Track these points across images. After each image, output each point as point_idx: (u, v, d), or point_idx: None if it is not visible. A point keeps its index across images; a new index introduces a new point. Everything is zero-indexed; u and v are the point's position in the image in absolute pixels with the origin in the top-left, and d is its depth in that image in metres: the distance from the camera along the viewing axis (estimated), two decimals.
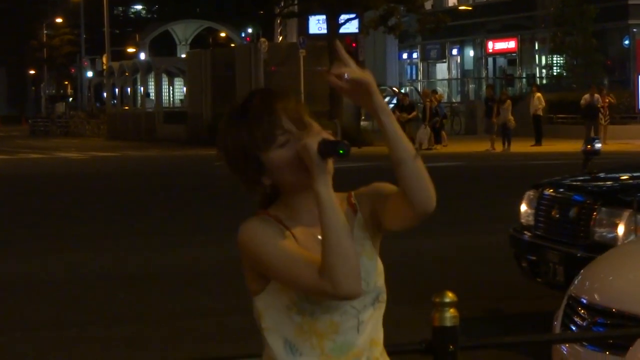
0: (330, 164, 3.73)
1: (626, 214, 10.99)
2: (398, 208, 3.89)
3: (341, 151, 3.69)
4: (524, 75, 70.93)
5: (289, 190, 3.91)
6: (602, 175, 13.34)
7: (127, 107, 76.70)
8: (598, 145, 13.27)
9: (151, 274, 18.15)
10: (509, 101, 50.26)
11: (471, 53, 78.60)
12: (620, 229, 10.78)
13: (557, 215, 12.35)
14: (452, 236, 22.25)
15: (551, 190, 12.83)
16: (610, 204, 11.63)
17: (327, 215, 3.68)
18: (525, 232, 12.94)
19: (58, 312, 14.40)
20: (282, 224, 3.87)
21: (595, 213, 11.46)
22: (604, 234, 11.09)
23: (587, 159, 13.00)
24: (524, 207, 13.05)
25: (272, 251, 3.80)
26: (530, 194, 12.90)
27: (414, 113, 51.44)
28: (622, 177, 13.05)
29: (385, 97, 71.80)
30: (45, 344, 11.53)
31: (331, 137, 3.75)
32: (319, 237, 3.74)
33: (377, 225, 4.05)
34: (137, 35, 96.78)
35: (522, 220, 13.09)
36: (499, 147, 46.01)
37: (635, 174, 12.98)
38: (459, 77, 79.28)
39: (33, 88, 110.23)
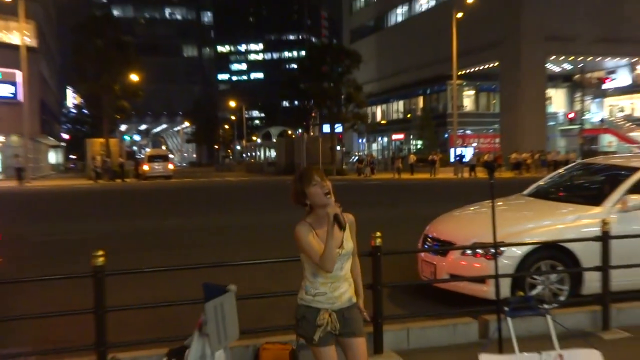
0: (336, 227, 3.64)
1: None
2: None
3: (342, 229, 3.67)
4: (407, 148, 68.49)
5: (316, 208, 3.74)
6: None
7: (252, 160, 75.17)
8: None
9: (246, 225, 15.88)
10: (400, 158, 48.94)
11: (386, 139, 75.90)
12: None
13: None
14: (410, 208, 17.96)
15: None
16: None
17: (327, 243, 3.60)
18: None
19: (217, 238, 13.72)
20: (312, 227, 3.75)
21: None
22: None
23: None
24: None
25: (304, 242, 3.71)
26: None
27: (364, 163, 49.75)
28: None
29: (351, 156, 70.11)
30: (205, 252, 10.62)
31: (341, 216, 3.65)
32: (331, 249, 3.64)
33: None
34: (256, 132, 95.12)
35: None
36: (397, 176, 44.42)
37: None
38: (382, 148, 76.65)
39: (216, 153, 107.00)
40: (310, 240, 3.72)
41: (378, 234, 5.61)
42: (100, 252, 5.01)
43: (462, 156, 46.45)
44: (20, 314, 7.02)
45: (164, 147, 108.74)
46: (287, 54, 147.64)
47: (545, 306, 4.03)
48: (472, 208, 8.70)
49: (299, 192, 3.78)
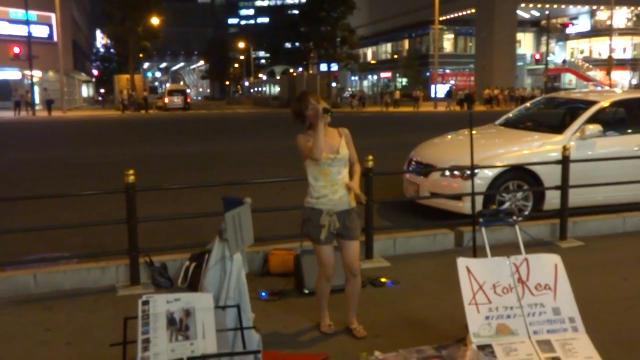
0: (328, 118, 3.71)
1: None
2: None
3: (329, 112, 3.70)
4: (393, 85, 67.67)
5: (312, 125, 3.74)
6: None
7: (259, 95, 73.62)
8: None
9: (254, 150, 14.74)
10: (388, 93, 48.49)
11: (375, 77, 75.11)
12: None
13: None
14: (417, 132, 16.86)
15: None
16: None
17: (317, 133, 3.65)
18: None
19: (231, 160, 12.99)
20: (309, 137, 3.75)
21: None
22: None
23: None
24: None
25: (302, 144, 3.75)
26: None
27: (357, 97, 49.10)
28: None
29: (345, 91, 68.81)
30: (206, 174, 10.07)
31: (327, 106, 3.72)
32: (319, 140, 3.66)
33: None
34: (262, 70, 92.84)
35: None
36: (384, 109, 44.25)
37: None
38: (372, 85, 75.83)
39: (227, 88, 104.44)
40: (307, 144, 3.74)
41: (370, 157, 5.59)
42: (131, 171, 5.00)
43: (449, 92, 46.08)
44: (64, 223, 7.10)
45: (181, 83, 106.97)
46: (289, 0, 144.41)
47: (514, 217, 4.04)
48: (449, 136, 8.63)
49: (298, 112, 3.81)
